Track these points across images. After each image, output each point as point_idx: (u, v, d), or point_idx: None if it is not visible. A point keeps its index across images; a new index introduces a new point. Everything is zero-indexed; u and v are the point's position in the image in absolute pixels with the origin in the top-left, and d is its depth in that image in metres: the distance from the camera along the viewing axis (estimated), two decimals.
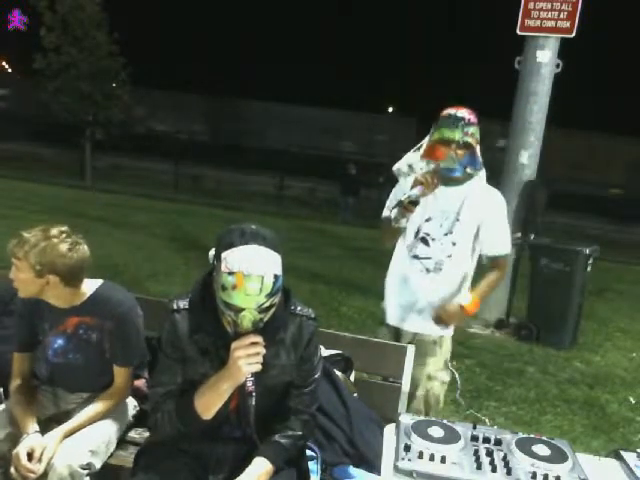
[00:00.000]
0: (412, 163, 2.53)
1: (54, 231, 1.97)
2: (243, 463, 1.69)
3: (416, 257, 2.51)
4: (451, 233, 2.48)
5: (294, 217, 11.77)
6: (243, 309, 1.51)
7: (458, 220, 2.47)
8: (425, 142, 2.50)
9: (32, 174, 13.74)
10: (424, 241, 2.49)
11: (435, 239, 2.48)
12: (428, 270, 2.50)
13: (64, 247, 1.95)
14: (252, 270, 1.49)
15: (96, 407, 2.00)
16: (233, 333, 1.59)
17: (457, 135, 2.32)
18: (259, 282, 1.49)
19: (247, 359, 1.55)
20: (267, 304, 1.53)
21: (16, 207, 9.03)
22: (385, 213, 2.57)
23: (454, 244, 2.49)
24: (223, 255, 1.53)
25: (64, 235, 1.98)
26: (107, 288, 2.12)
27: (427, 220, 2.48)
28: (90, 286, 2.09)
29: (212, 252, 1.62)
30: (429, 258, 2.49)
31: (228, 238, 1.55)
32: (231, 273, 1.49)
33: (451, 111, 2.37)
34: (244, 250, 1.51)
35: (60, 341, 2.05)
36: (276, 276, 1.53)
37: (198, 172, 16.53)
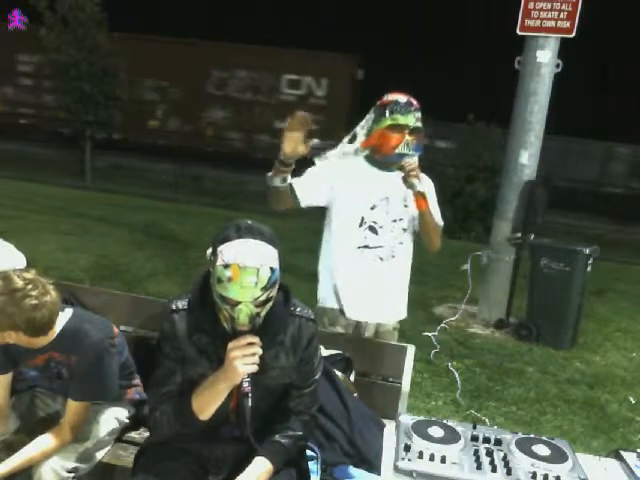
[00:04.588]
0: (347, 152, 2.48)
1: (18, 282, 1.73)
2: (243, 463, 1.69)
3: (366, 247, 2.46)
4: (401, 220, 2.48)
5: (294, 217, 11.78)
6: (239, 302, 1.51)
7: (406, 206, 2.47)
8: (360, 131, 2.45)
9: (32, 174, 13.74)
10: (372, 230, 2.45)
11: (383, 226, 2.46)
12: (381, 259, 2.47)
13: (28, 303, 1.72)
14: (248, 262, 1.49)
15: (38, 447, 1.85)
16: (230, 329, 1.59)
17: (411, 120, 2.33)
18: (255, 274, 1.49)
19: (243, 359, 1.55)
20: (263, 297, 1.53)
21: (16, 207, 9.03)
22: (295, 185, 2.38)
23: (404, 230, 2.50)
24: (219, 249, 1.53)
25: (30, 286, 1.74)
26: (76, 320, 1.93)
27: (372, 208, 2.44)
28: (60, 320, 1.89)
29: (210, 250, 1.62)
30: (381, 246, 2.46)
31: (224, 233, 1.56)
32: (227, 266, 1.50)
33: (397, 97, 2.37)
34: (240, 243, 1.52)
35: (33, 373, 2.00)
36: (272, 269, 1.53)
37: (198, 172, 16.54)
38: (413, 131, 2.34)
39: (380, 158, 2.42)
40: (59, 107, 14.21)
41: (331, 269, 2.53)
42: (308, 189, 2.41)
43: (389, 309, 2.57)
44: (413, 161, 2.34)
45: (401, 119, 2.32)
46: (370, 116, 2.44)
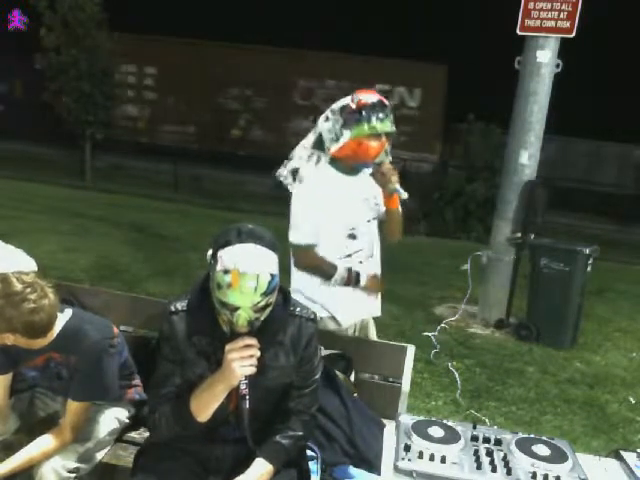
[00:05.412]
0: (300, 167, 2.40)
1: (16, 286, 1.72)
2: (243, 463, 1.69)
3: (349, 255, 2.42)
4: (374, 219, 2.48)
5: None
6: (238, 308, 1.51)
7: (376, 204, 2.46)
8: (328, 136, 2.30)
9: (32, 174, 13.74)
10: (352, 237, 2.42)
11: (361, 230, 2.44)
12: (361, 262, 2.46)
13: (26, 307, 1.71)
14: (247, 268, 1.49)
15: (39, 447, 1.85)
16: (229, 332, 1.59)
17: (387, 126, 2.24)
18: (254, 281, 1.49)
19: (241, 361, 1.55)
20: (262, 303, 1.53)
21: (16, 207, 9.03)
22: (310, 240, 2.35)
23: (376, 228, 2.51)
24: (219, 254, 1.53)
25: (28, 290, 1.73)
26: (76, 321, 1.93)
27: (351, 217, 2.42)
28: (60, 320, 1.90)
29: (210, 253, 1.62)
30: (360, 250, 2.44)
31: (224, 237, 1.55)
32: (226, 271, 1.49)
33: (369, 98, 2.24)
34: (240, 248, 1.51)
35: (33, 373, 2.00)
36: (272, 275, 1.53)
37: (198, 172, 16.52)
38: (388, 135, 2.29)
39: (353, 165, 2.36)
40: (136, 116, 14.03)
41: (317, 284, 2.43)
42: (312, 232, 2.37)
43: (374, 304, 2.59)
44: (390, 166, 2.30)
45: (380, 127, 2.21)
46: (337, 118, 2.27)
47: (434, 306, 6.11)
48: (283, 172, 2.43)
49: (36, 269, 2.19)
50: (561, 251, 5.14)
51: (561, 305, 5.12)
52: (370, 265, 2.50)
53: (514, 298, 5.47)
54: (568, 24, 5.12)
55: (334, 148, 2.29)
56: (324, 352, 2.23)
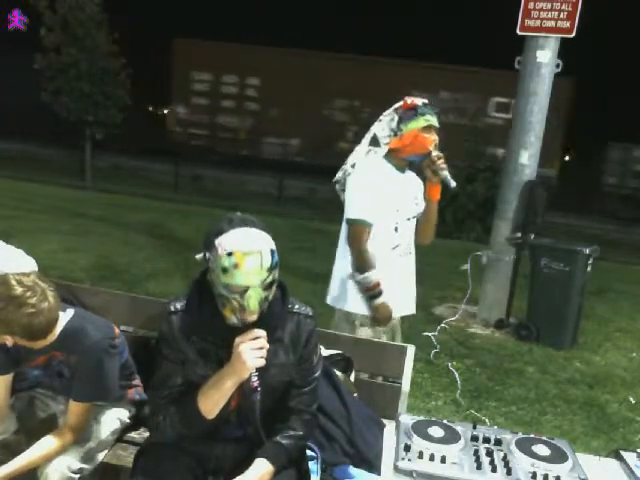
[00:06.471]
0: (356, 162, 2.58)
1: (16, 289, 1.71)
2: (243, 463, 1.68)
3: (393, 248, 2.56)
4: (414, 217, 2.62)
5: (293, 216, 11.79)
6: (248, 288, 1.52)
7: (417, 204, 2.61)
8: (381, 133, 2.52)
9: (32, 174, 13.74)
10: (396, 230, 2.56)
11: (402, 226, 2.58)
12: (400, 256, 2.59)
13: (25, 311, 1.71)
14: (249, 247, 1.51)
15: (41, 449, 1.83)
16: (240, 321, 1.58)
17: (436, 120, 2.50)
18: (258, 257, 1.51)
19: (252, 353, 1.55)
20: (269, 279, 1.55)
21: (16, 207, 9.04)
22: (366, 217, 2.49)
23: (413, 226, 2.65)
24: (217, 241, 1.54)
25: (28, 294, 1.71)
26: (77, 320, 1.92)
27: (397, 211, 2.55)
28: (61, 320, 1.88)
29: (200, 255, 1.62)
30: (399, 245, 2.57)
31: (217, 227, 1.57)
32: (230, 254, 1.51)
33: (419, 99, 2.50)
34: (236, 232, 1.54)
35: (35, 372, 2.00)
36: (272, 250, 1.55)
37: (198, 172, 16.54)
38: (437, 130, 2.51)
39: (405, 158, 2.53)
40: (237, 128, 13.91)
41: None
42: (369, 210, 2.49)
43: (410, 302, 2.71)
44: (440, 154, 2.48)
45: (432, 120, 2.46)
46: (391, 117, 2.51)
47: (434, 306, 6.11)
48: (340, 174, 2.61)
49: (37, 269, 2.19)
50: (561, 251, 5.14)
51: (561, 305, 5.11)
52: (409, 261, 2.63)
53: (514, 298, 5.47)
54: (568, 24, 5.13)
55: (392, 142, 2.50)
56: (324, 352, 2.23)
